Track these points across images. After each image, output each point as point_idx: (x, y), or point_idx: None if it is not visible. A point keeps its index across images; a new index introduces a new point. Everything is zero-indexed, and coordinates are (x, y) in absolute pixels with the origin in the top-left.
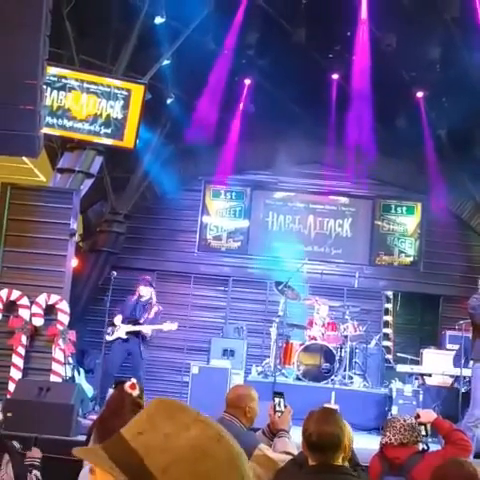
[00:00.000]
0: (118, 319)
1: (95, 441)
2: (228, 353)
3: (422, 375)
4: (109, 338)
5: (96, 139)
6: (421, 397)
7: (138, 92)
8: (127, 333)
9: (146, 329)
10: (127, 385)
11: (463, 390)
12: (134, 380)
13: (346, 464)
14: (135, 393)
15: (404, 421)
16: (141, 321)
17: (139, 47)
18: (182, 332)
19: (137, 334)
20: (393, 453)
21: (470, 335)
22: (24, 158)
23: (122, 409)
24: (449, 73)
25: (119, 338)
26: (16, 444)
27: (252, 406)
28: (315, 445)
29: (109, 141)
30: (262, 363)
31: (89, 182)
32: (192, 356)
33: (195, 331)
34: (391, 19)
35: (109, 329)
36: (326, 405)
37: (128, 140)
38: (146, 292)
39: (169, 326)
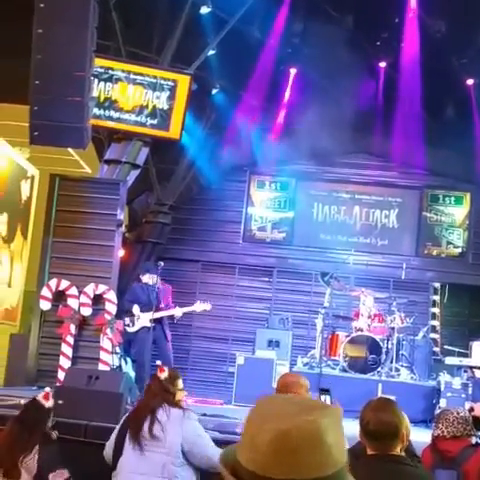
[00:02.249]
0: (137, 309)
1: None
2: (273, 344)
3: (471, 368)
4: (132, 329)
5: (142, 130)
6: (470, 390)
7: (184, 83)
8: (152, 320)
9: (177, 312)
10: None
11: None
12: (159, 362)
13: (403, 454)
14: (163, 376)
15: (457, 414)
16: (162, 306)
17: (185, 37)
18: (227, 323)
19: (160, 320)
20: (445, 446)
21: None
22: (70, 150)
23: (148, 395)
24: None
25: (144, 327)
26: (55, 434)
27: (301, 392)
28: (372, 433)
29: (155, 132)
30: (307, 354)
31: (135, 173)
32: (237, 347)
33: (240, 322)
34: (440, 5)
35: (127, 320)
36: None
37: (174, 131)
38: (148, 279)
39: (202, 306)
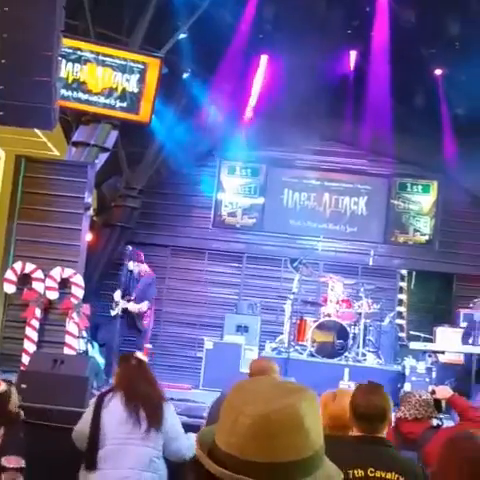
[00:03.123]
0: (117, 294)
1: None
2: (242, 329)
3: (435, 352)
4: (112, 313)
5: (111, 113)
6: (434, 374)
7: (154, 66)
8: (123, 310)
9: (132, 307)
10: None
11: (476, 367)
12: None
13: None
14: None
15: (419, 397)
16: (132, 297)
17: (156, 20)
18: (196, 308)
19: (132, 314)
20: (407, 428)
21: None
22: (37, 131)
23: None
24: (468, 50)
25: (119, 314)
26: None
27: (274, 377)
28: (363, 415)
29: (124, 115)
30: (276, 339)
31: (104, 156)
32: (206, 332)
33: (209, 307)
34: None
35: (114, 304)
36: (343, 383)
37: (144, 114)
38: (133, 267)
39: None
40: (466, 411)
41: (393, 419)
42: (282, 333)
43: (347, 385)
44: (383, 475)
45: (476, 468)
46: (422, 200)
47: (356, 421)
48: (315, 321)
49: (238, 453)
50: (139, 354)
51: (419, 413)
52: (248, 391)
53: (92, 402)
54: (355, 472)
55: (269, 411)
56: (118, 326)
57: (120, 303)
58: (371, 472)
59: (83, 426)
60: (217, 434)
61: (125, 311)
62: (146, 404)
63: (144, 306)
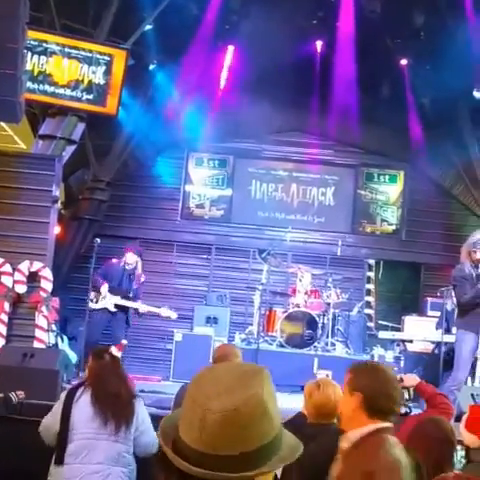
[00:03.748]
0: (105, 288)
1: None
2: (211, 321)
3: (403, 341)
4: (94, 306)
5: (78, 105)
6: (402, 363)
7: (120, 58)
8: (116, 306)
9: (142, 308)
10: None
11: (444, 355)
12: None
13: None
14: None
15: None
16: (130, 295)
17: (121, 12)
18: (165, 300)
19: (126, 308)
20: None
21: (448, 302)
22: (3, 124)
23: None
24: (433, 41)
25: (106, 308)
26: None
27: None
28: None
29: (91, 107)
30: (245, 330)
31: (71, 149)
32: (176, 324)
33: (178, 299)
34: None
35: (92, 295)
36: (321, 372)
37: (110, 106)
38: (132, 260)
39: (167, 313)
40: (433, 398)
41: None
42: (251, 324)
43: (326, 374)
44: None
45: (442, 447)
46: (389, 190)
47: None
48: (284, 312)
49: (211, 450)
50: (113, 349)
51: None
52: (208, 384)
53: (62, 396)
54: None
55: (237, 405)
56: (103, 320)
57: (107, 297)
58: None
59: (51, 420)
60: (183, 431)
61: (118, 306)
62: (116, 402)
63: (144, 307)
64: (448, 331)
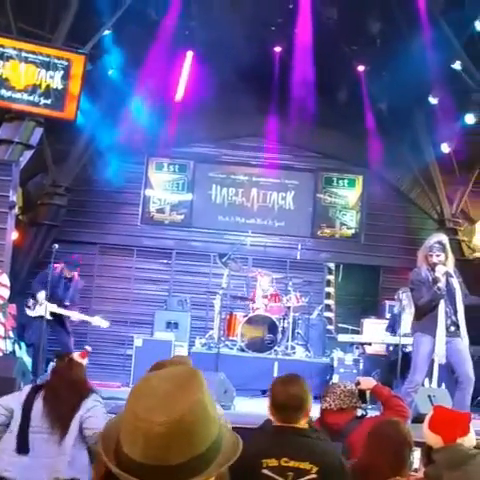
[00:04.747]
0: (42, 295)
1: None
2: (172, 326)
3: (362, 344)
4: (31, 313)
5: (35, 110)
6: (361, 365)
7: (79, 62)
8: (52, 314)
9: (75, 316)
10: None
11: (395, 358)
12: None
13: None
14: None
15: (344, 387)
16: (66, 302)
17: (79, 16)
18: (125, 305)
19: (61, 316)
20: (332, 419)
21: (396, 305)
22: None
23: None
24: (389, 47)
25: (42, 316)
26: None
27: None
28: (280, 405)
29: (49, 112)
30: (206, 335)
31: (29, 154)
32: (136, 329)
33: (138, 304)
34: None
35: (31, 302)
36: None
37: (69, 111)
38: (66, 271)
39: (99, 322)
40: (389, 400)
41: (319, 410)
42: (212, 329)
43: None
44: (297, 465)
45: (399, 449)
46: (348, 194)
47: (275, 411)
48: (245, 316)
49: (159, 462)
50: (76, 355)
51: (344, 403)
52: (147, 395)
53: (25, 390)
54: (269, 462)
55: (181, 413)
56: (45, 327)
57: (44, 304)
58: (285, 462)
59: (10, 399)
60: (126, 446)
61: (54, 314)
62: (64, 405)
63: (76, 315)
64: (395, 333)
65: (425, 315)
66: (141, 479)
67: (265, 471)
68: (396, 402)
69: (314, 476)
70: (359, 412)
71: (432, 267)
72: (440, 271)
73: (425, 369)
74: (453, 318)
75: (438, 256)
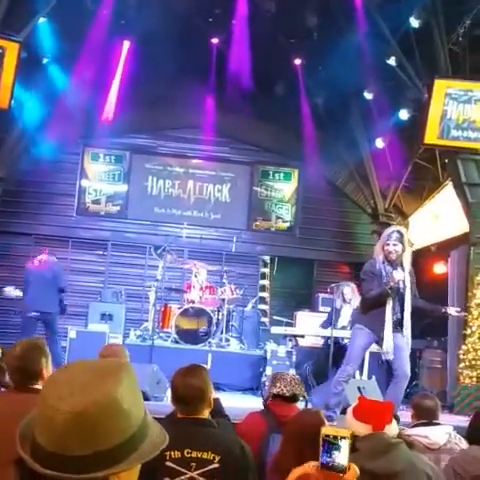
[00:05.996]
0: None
1: None
2: (106, 317)
3: (295, 336)
4: None
5: None
6: (294, 357)
7: (12, 50)
8: None
9: None
10: None
11: (332, 349)
12: None
13: (209, 417)
14: None
15: (293, 375)
16: None
17: (14, 3)
18: None
19: None
20: (281, 410)
21: (338, 300)
22: None
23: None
24: (326, 41)
25: None
26: None
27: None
28: (181, 397)
29: None
30: (140, 327)
31: None
32: (70, 321)
33: (73, 296)
34: None
35: None
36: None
37: (2, 100)
38: None
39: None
40: None
41: (266, 399)
42: (147, 320)
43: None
44: (199, 455)
45: (317, 437)
46: (284, 187)
47: (176, 403)
48: (179, 308)
49: (62, 450)
50: None
51: (295, 389)
52: (62, 384)
53: None
54: (172, 453)
55: (86, 404)
56: None
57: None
58: (188, 453)
59: None
60: (37, 432)
61: None
62: None
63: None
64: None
65: (371, 309)
66: (43, 465)
67: (169, 463)
68: None
69: (216, 465)
70: (302, 405)
71: (388, 259)
72: (396, 276)
73: (359, 361)
74: (398, 315)
75: (395, 245)
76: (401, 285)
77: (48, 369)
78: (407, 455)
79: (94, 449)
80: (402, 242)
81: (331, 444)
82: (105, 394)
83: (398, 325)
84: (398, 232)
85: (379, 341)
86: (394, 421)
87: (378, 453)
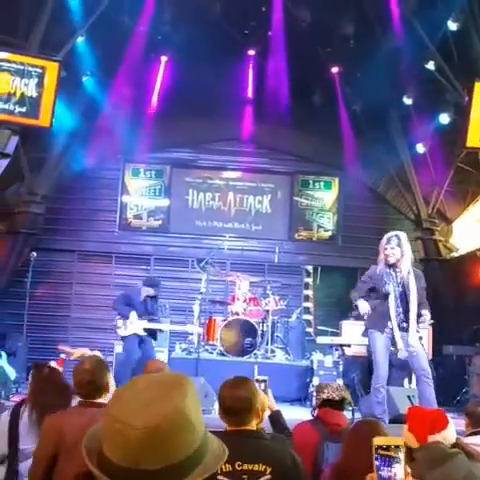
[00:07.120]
0: (134, 315)
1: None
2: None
3: (341, 346)
4: (123, 333)
5: (10, 118)
6: (341, 367)
7: (53, 70)
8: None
9: (167, 328)
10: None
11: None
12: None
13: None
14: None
15: (338, 384)
16: (154, 317)
17: (52, 23)
18: (105, 312)
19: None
20: (334, 419)
21: None
22: None
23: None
24: (363, 48)
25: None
26: None
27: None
28: (229, 409)
29: (24, 120)
30: (186, 340)
31: (4, 162)
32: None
33: None
34: None
35: (120, 323)
36: (257, 377)
37: (44, 119)
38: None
39: (192, 328)
40: None
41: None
42: (192, 334)
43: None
44: (250, 467)
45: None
46: (324, 196)
47: (224, 415)
48: (224, 320)
49: (134, 465)
50: (53, 363)
51: (344, 394)
52: (129, 399)
53: (5, 417)
54: (223, 467)
55: (158, 419)
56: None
57: (136, 323)
58: (239, 465)
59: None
60: (106, 448)
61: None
62: (53, 410)
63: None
64: None
65: (373, 311)
66: (113, 479)
67: (220, 477)
68: None
69: (268, 477)
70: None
71: (388, 262)
72: (361, 310)
73: (386, 363)
74: (402, 316)
75: (392, 249)
76: (400, 289)
77: (111, 382)
78: (467, 465)
79: (165, 463)
80: (400, 246)
81: (389, 457)
82: (174, 408)
83: (404, 325)
84: (397, 237)
85: (392, 339)
86: (451, 428)
87: (436, 463)
